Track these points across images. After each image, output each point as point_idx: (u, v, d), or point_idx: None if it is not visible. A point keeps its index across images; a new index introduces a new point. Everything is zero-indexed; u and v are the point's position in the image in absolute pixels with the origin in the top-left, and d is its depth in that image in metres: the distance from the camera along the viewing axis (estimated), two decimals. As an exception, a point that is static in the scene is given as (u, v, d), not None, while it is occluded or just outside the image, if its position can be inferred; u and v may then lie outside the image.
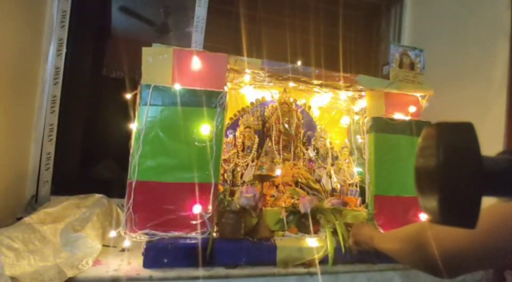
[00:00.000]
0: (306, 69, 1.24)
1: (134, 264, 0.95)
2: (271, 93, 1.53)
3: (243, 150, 1.40)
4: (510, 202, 0.28)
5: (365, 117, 1.40)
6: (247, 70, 1.21)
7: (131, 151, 1.01)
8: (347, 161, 1.49)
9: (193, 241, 0.97)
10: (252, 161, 1.38)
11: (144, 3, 1.90)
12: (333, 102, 1.59)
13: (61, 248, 0.92)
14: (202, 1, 1.71)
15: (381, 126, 1.27)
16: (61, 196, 1.25)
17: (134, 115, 1.04)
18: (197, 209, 1.00)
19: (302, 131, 1.54)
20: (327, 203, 1.20)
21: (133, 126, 1.04)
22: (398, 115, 1.30)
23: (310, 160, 1.48)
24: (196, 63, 1.08)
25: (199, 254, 0.94)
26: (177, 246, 0.95)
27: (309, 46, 1.92)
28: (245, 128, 1.41)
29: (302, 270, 1.00)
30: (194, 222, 1.00)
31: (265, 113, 1.51)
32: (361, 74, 1.29)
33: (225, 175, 1.33)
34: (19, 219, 1.07)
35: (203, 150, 1.04)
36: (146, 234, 0.97)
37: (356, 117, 1.58)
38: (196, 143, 1.04)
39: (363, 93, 1.42)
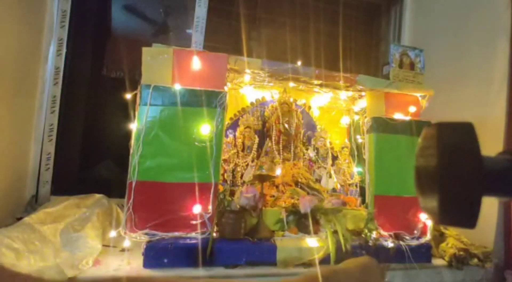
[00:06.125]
0: (306, 69, 1.24)
1: (134, 264, 0.95)
2: (271, 93, 1.53)
3: (243, 150, 1.40)
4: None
5: (365, 117, 1.40)
6: (247, 70, 1.21)
7: (131, 151, 1.01)
8: (347, 161, 1.49)
9: (193, 241, 0.97)
10: (252, 161, 1.38)
11: (144, 3, 1.90)
12: (333, 102, 1.59)
13: (61, 248, 0.92)
14: (202, 1, 1.71)
15: (381, 126, 1.27)
16: (61, 196, 1.25)
17: (134, 116, 1.04)
18: (197, 209, 1.00)
19: (302, 131, 1.54)
20: (327, 203, 1.20)
21: (133, 126, 1.04)
22: (398, 115, 1.30)
23: (310, 160, 1.48)
24: (196, 63, 1.08)
25: (199, 254, 0.95)
26: (177, 246, 0.95)
27: (309, 46, 1.92)
28: (245, 128, 1.41)
29: (302, 270, 1.00)
30: (194, 222, 1.00)
31: (265, 113, 1.51)
32: (361, 74, 1.29)
33: (225, 175, 1.33)
34: (19, 219, 1.07)
35: (203, 150, 1.03)
36: (146, 234, 0.97)
37: (356, 117, 1.58)
38: (196, 143, 1.04)
39: (363, 93, 1.42)
